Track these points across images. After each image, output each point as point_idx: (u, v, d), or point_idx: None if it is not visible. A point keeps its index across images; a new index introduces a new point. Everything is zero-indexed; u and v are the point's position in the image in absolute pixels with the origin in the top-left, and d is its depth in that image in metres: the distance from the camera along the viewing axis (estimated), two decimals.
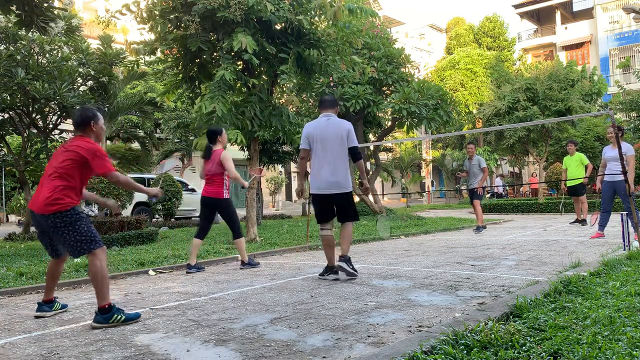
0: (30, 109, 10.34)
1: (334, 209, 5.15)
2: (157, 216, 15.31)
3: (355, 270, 5.07)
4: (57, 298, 4.17)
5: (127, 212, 13.11)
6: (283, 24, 8.06)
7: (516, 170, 37.91)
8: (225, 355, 2.76)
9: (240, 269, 6.14)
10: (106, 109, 11.05)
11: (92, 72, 10.81)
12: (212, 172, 6.03)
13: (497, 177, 31.15)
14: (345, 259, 5.04)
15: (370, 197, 15.45)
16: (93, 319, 3.54)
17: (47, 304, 3.94)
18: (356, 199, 15.53)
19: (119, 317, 3.53)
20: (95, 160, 3.67)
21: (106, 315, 3.50)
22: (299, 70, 8.73)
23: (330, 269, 5.16)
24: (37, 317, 3.88)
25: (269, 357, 2.70)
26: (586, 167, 10.47)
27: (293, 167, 31.56)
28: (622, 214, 6.17)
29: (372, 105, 13.47)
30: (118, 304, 3.92)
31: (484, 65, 29.73)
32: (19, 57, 9.45)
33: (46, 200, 3.56)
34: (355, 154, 5.10)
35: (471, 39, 39.66)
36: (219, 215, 6.27)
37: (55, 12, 7.86)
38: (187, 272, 5.89)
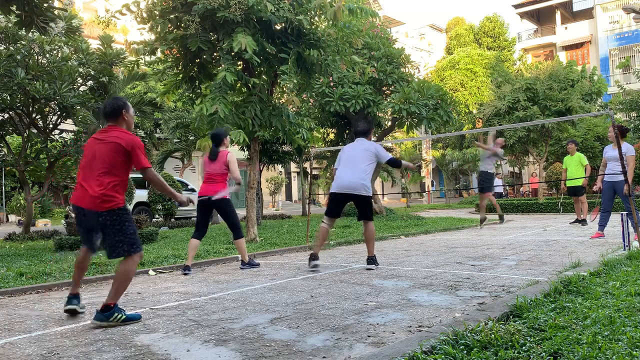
0: (30, 109, 10.34)
1: (342, 210, 5.88)
2: (157, 216, 15.32)
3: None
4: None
5: None
6: (283, 24, 8.06)
7: (516, 170, 37.90)
8: (225, 355, 2.76)
9: (241, 268, 6.14)
10: None
11: (92, 72, 10.80)
12: (216, 172, 6.04)
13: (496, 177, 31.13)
14: (373, 260, 5.74)
15: None
16: (94, 316, 3.54)
17: (75, 297, 3.85)
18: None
19: (120, 316, 3.53)
20: (137, 153, 3.58)
21: (107, 313, 3.50)
22: (299, 70, 8.72)
23: (312, 257, 5.73)
24: (67, 311, 3.79)
25: (269, 357, 2.70)
26: (585, 167, 10.45)
27: (293, 167, 31.57)
28: (622, 214, 6.17)
29: (372, 105, 13.46)
30: (119, 304, 3.91)
31: (484, 65, 29.72)
32: (19, 57, 9.45)
33: (99, 197, 3.49)
34: (394, 164, 5.94)
35: (471, 39, 39.69)
36: (219, 215, 6.25)
37: (55, 12, 7.85)
38: (185, 274, 5.88)
